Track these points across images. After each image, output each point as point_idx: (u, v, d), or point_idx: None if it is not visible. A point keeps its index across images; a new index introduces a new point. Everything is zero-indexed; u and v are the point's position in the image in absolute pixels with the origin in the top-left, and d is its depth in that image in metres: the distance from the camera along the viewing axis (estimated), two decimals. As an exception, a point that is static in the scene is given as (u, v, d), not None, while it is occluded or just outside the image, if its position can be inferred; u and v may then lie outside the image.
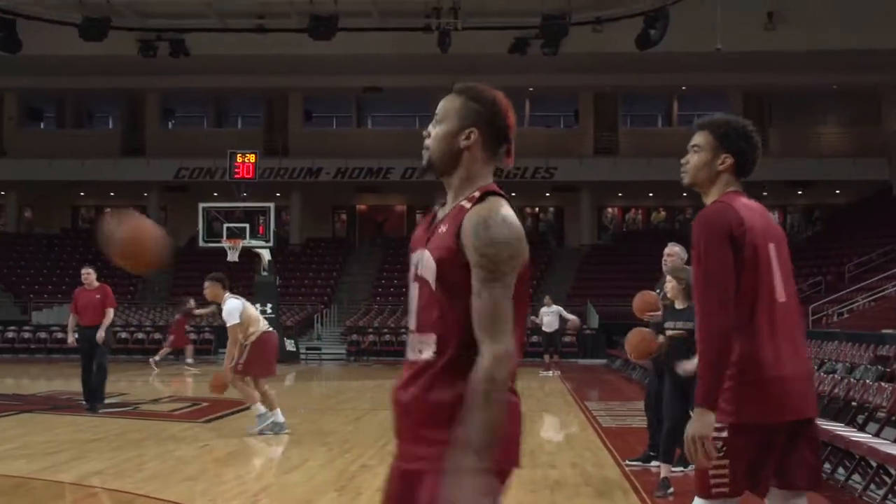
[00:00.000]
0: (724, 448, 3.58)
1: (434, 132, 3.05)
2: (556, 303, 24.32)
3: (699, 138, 3.86)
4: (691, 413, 7.82)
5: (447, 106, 3.09)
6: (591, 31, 30.98)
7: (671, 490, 7.80)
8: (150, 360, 25.41)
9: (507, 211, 2.74)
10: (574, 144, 41.26)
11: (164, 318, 35.50)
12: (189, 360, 26.48)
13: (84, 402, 14.41)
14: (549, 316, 23.48)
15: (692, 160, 3.87)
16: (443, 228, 2.81)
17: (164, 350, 26.33)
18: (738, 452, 3.61)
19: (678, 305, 7.86)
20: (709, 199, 3.83)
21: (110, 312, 14.27)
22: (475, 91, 3.13)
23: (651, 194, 43.39)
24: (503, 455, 2.58)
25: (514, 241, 2.67)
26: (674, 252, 8.77)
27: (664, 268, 8.58)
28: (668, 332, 7.80)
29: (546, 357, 24.09)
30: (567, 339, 29.35)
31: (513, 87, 39.64)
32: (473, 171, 2.97)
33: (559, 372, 23.40)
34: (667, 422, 7.80)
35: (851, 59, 34.41)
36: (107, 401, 14.66)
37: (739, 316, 3.58)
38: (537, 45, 29.76)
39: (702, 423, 3.52)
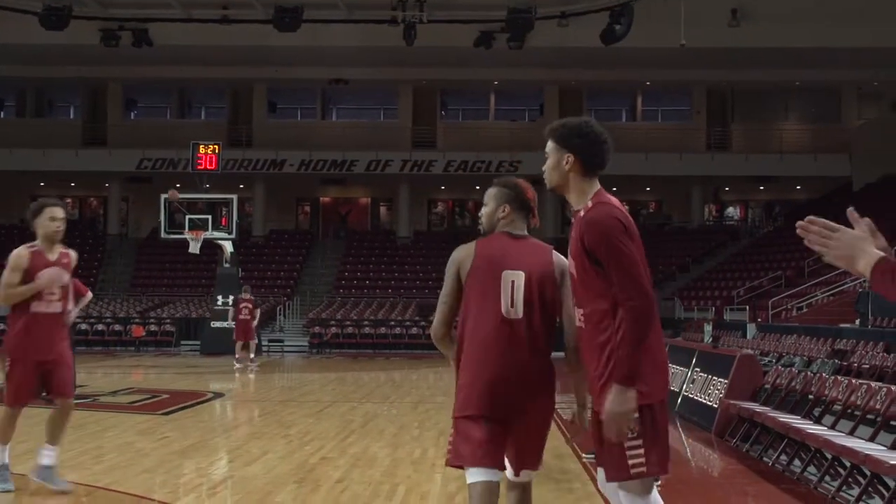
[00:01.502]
0: (642, 428, 3.71)
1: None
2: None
3: (547, 146, 4.08)
4: None
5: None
6: (557, 25, 31.06)
7: None
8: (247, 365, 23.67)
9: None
10: (539, 138, 40.82)
11: (125, 309, 35.29)
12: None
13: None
14: None
15: (545, 166, 4.10)
16: None
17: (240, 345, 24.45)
18: (656, 430, 3.75)
19: None
20: (571, 199, 4.05)
21: (88, 295, 14.40)
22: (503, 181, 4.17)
23: (615, 188, 43.49)
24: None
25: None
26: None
27: None
28: None
29: None
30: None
31: (477, 80, 39.97)
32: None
33: None
34: None
35: (813, 57, 34.73)
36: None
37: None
38: (503, 39, 29.82)
39: (625, 401, 3.63)
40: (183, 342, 32.11)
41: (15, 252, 7.11)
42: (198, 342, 30.45)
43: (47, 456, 7.28)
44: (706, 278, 37.44)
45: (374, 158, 39.80)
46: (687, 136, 41.12)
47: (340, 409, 13.87)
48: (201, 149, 30.63)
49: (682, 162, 39.46)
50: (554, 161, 4.04)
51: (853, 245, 2.60)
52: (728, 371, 11.43)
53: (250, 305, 22.78)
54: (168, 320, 33.45)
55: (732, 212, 44.87)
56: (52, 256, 7.25)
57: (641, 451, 3.70)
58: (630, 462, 3.71)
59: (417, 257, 40.37)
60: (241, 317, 22.71)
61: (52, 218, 7.23)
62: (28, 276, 7.06)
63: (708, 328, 23.02)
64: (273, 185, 41.67)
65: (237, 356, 22.68)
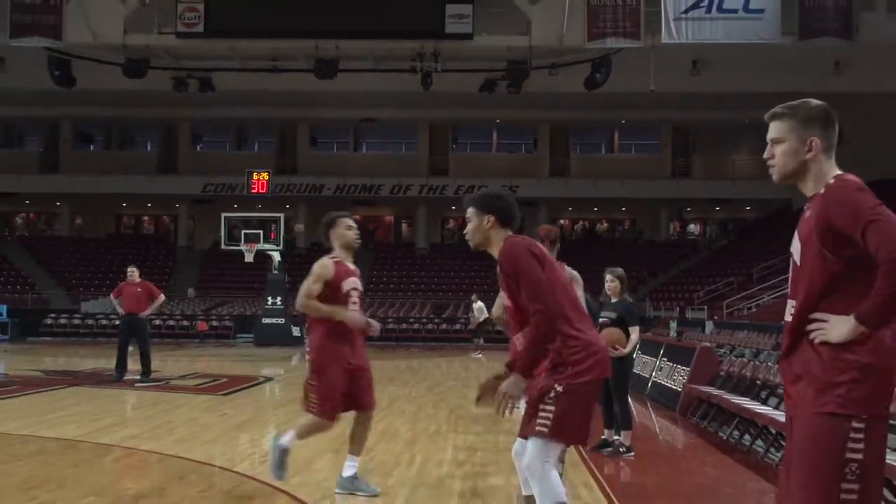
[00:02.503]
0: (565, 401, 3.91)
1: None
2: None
3: (468, 212, 4.21)
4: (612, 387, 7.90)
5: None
6: (548, 74, 31.03)
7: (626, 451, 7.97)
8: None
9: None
10: (533, 167, 41.33)
11: (192, 308, 35.34)
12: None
13: (115, 374, 14.54)
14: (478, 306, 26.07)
15: (468, 228, 4.20)
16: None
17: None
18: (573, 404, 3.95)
19: (612, 300, 8.08)
20: (493, 250, 4.13)
21: (161, 297, 14.74)
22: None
23: (596, 209, 43.55)
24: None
25: None
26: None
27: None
28: (601, 320, 7.96)
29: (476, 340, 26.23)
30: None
31: (482, 119, 40.01)
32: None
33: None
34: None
35: (760, 99, 34.52)
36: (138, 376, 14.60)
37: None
38: (503, 85, 29.81)
39: (516, 387, 3.87)
40: (239, 335, 32.12)
41: (319, 262, 6.12)
42: (251, 335, 30.47)
43: (350, 467, 6.18)
44: (672, 283, 37.36)
45: (397, 183, 39.85)
46: (656, 166, 41.05)
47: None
48: (255, 176, 30.73)
49: (652, 187, 39.38)
50: (476, 223, 4.17)
51: (836, 322, 2.77)
52: (690, 360, 11.40)
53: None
54: (227, 317, 33.47)
55: (693, 228, 44.75)
56: (352, 266, 6.25)
57: (551, 416, 3.86)
58: (539, 422, 3.89)
59: (433, 266, 40.37)
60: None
61: (349, 227, 6.33)
62: (331, 286, 6.02)
63: (673, 325, 22.97)
64: (313, 205, 41.70)
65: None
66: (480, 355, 23.66)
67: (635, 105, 36.29)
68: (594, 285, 8.65)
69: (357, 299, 6.12)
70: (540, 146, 42.33)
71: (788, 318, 2.92)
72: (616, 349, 7.71)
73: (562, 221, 44.88)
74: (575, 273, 6.51)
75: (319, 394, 5.89)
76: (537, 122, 41.15)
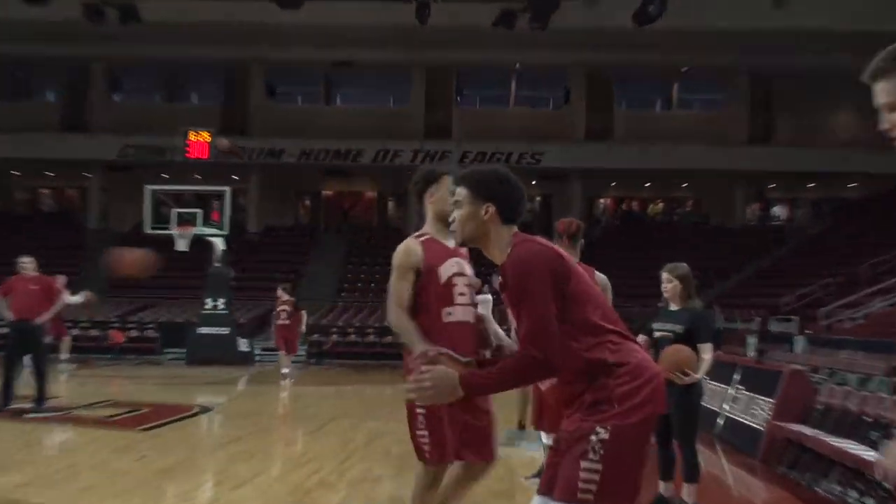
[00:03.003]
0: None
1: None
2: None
3: (460, 192, 4.19)
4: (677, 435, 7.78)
5: None
6: (584, 4, 30.93)
7: None
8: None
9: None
10: (563, 128, 41.26)
11: (103, 312, 35.30)
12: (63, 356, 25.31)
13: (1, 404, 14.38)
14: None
15: (457, 215, 4.18)
16: None
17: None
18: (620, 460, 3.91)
19: (672, 307, 7.97)
20: (491, 251, 4.14)
21: (64, 297, 14.76)
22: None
23: (648, 184, 43.48)
24: None
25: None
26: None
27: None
28: (657, 334, 7.87)
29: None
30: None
31: (497, 63, 39.88)
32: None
33: None
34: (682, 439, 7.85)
35: (870, 40, 34.48)
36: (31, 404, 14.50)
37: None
38: (525, 19, 29.70)
39: (447, 388, 3.91)
40: (167, 350, 32.05)
41: (401, 247, 5.69)
42: (184, 350, 30.39)
43: None
44: (749, 285, 37.28)
45: (381, 148, 39.76)
46: (728, 127, 40.99)
47: (341, 427, 13.77)
48: (191, 136, 30.68)
49: (723, 155, 39.33)
50: (470, 210, 4.15)
51: None
52: (774, 389, 11.33)
53: (289, 307, 21.80)
54: (151, 325, 33.42)
55: (778, 211, 44.72)
56: (450, 243, 5.68)
57: (597, 476, 3.79)
58: (580, 485, 3.81)
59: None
60: (280, 322, 21.84)
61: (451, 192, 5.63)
62: (427, 275, 5.60)
63: (751, 341, 22.88)
64: (269, 176, 41.65)
65: (283, 370, 21.98)
66: None
67: (700, 46, 36.13)
68: (645, 288, 8.48)
69: (465, 289, 5.64)
70: (573, 100, 42.24)
71: None
72: (684, 375, 7.58)
73: (601, 201, 44.82)
74: (605, 279, 6.41)
75: (430, 438, 5.48)
76: (570, 68, 41.05)
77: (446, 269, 5.60)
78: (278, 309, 21.91)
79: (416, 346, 5.30)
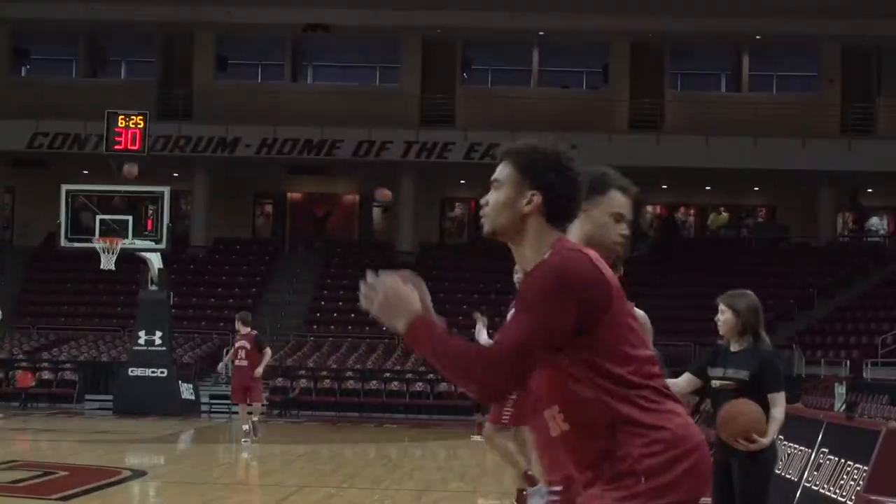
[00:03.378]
0: None
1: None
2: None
3: (500, 171, 4.11)
4: None
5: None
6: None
7: None
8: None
9: None
10: (601, 114, 41.31)
11: (7, 348, 35.31)
12: None
13: None
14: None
15: (491, 199, 4.12)
16: None
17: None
18: None
19: (733, 347, 8.00)
20: (522, 252, 4.10)
21: None
22: None
23: (709, 188, 43.53)
24: None
25: None
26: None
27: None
28: (715, 384, 7.91)
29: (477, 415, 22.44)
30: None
31: (516, 30, 39.94)
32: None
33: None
34: None
35: None
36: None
37: None
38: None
39: (397, 308, 4.12)
40: (88, 397, 32.07)
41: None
42: (110, 397, 30.44)
43: None
44: (838, 318, 37.30)
45: (365, 138, 39.80)
46: (813, 114, 41.02)
47: (312, 498, 13.85)
48: (120, 121, 30.69)
49: (806, 151, 39.34)
50: (509, 195, 4.07)
51: None
52: (870, 453, 11.37)
53: (248, 345, 20.75)
54: (68, 365, 33.41)
55: (877, 223, 44.75)
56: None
57: None
58: None
59: (425, 279, 40.09)
60: (238, 363, 20.82)
61: (619, 217, 5.33)
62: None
63: (840, 390, 23.02)
64: (221, 174, 41.69)
65: (246, 427, 20.98)
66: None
67: (776, 9, 36.21)
68: (701, 323, 8.60)
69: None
70: (614, 78, 42.32)
71: None
72: (750, 442, 7.65)
73: (650, 208, 44.84)
74: (644, 317, 6.51)
75: None
76: (609, 37, 41.14)
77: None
78: (236, 346, 21.15)
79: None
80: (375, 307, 4.04)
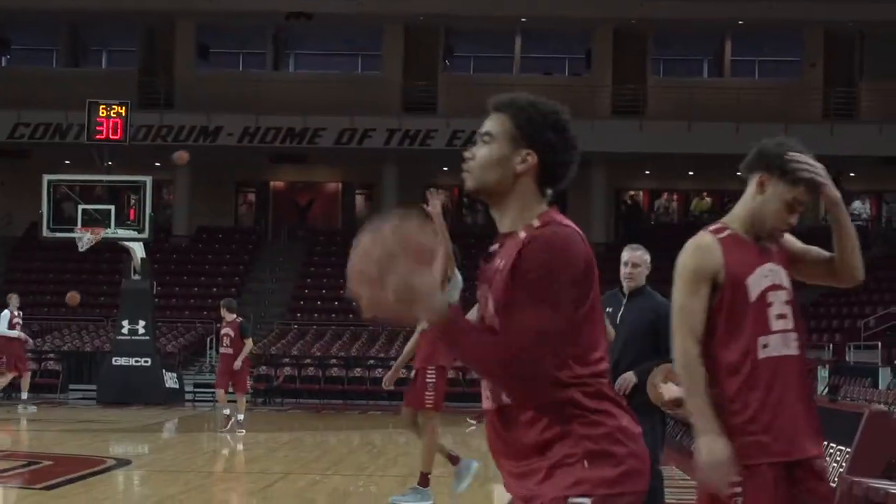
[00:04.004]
0: None
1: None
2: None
3: (491, 123, 3.97)
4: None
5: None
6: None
7: None
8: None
9: None
10: (584, 100, 41.30)
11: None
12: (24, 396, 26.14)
13: None
14: None
15: (479, 154, 3.91)
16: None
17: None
18: None
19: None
20: (504, 212, 3.88)
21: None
22: None
23: (691, 172, 43.59)
24: None
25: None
26: (643, 261, 8.91)
27: (630, 283, 8.75)
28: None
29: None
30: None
31: (498, 17, 39.93)
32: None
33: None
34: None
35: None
36: None
37: None
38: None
39: (419, 284, 3.56)
40: (73, 386, 32.05)
41: (691, 244, 5.06)
42: (93, 387, 30.42)
43: None
44: (820, 303, 37.41)
45: (347, 126, 39.79)
46: (795, 99, 41.09)
47: (297, 485, 13.87)
48: (102, 110, 30.64)
49: (789, 136, 39.19)
50: (501, 152, 3.88)
51: None
52: (852, 436, 11.42)
53: (232, 332, 20.69)
54: (52, 355, 33.38)
55: (859, 207, 44.83)
56: (763, 245, 5.23)
57: None
58: None
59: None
60: (223, 350, 20.89)
61: (796, 207, 5.28)
62: (727, 291, 4.95)
63: (823, 374, 23.10)
64: (203, 163, 41.58)
65: (226, 412, 20.93)
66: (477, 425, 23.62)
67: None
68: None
69: (786, 310, 5.10)
70: (597, 64, 42.35)
71: None
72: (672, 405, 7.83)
73: (631, 193, 44.93)
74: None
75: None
76: (592, 23, 41.16)
77: (756, 282, 5.00)
78: (221, 333, 21.21)
79: (700, 415, 4.79)
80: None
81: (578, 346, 3.74)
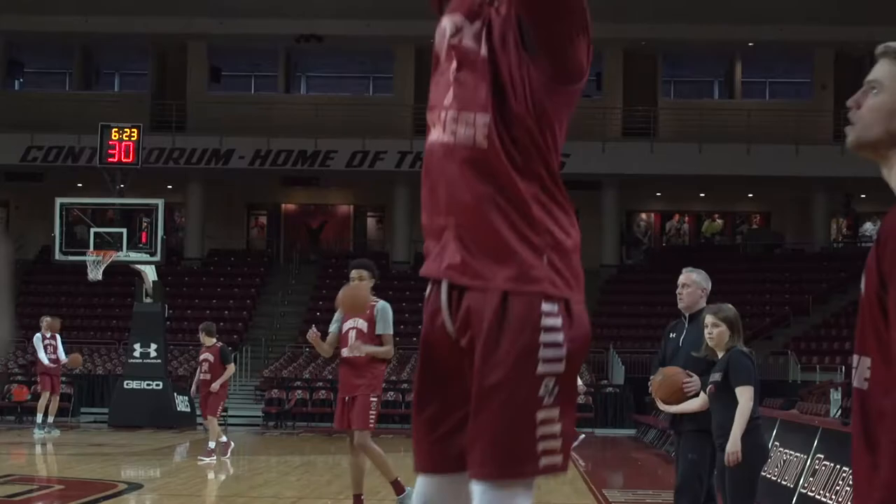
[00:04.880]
0: None
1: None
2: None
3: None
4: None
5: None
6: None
7: None
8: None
9: None
10: (594, 122, 41.31)
11: (2, 361, 35.25)
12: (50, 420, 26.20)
13: None
14: None
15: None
16: None
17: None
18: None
19: (720, 353, 8.23)
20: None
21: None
22: None
23: (703, 194, 43.54)
24: None
25: None
26: (691, 280, 8.91)
27: (679, 303, 8.79)
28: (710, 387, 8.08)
29: None
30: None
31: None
32: None
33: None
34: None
35: None
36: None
37: None
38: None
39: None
40: (84, 410, 32.04)
41: None
42: (105, 410, 30.40)
43: None
44: (833, 325, 37.32)
45: (359, 149, 39.80)
46: (807, 121, 41.06)
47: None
48: (114, 133, 30.69)
49: (800, 157, 39.38)
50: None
51: None
52: (865, 460, 11.34)
53: (211, 357, 19.94)
54: (63, 378, 33.38)
55: (871, 229, 44.77)
56: None
57: (558, 428, 3.44)
58: (539, 447, 3.42)
59: (421, 291, 40.30)
60: (202, 376, 20.15)
61: None
62: None
63: (836, 397, 22.96)
64: (214, 186, 41.69)
65: (223, 438, 20.40)
66: None
67: (769, 16, 36.25)
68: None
69: None
70: (607, 86, 42.35)
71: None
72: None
73: (643, 215, 44.87)
74: None
75: None
76: (602, 44, 41.17)
77: None
78: (200, 359, 20.51)
79: None
80: None
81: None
